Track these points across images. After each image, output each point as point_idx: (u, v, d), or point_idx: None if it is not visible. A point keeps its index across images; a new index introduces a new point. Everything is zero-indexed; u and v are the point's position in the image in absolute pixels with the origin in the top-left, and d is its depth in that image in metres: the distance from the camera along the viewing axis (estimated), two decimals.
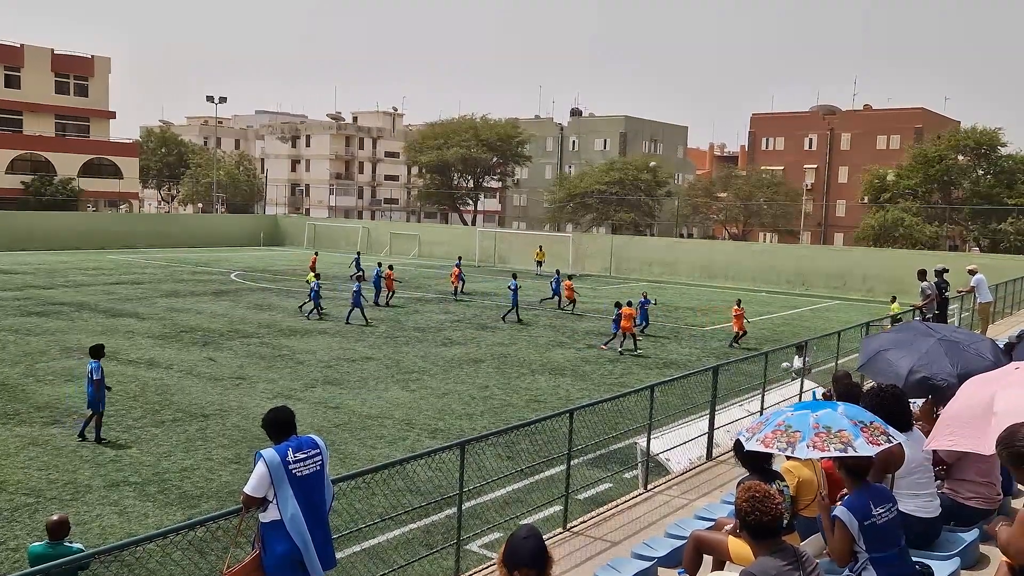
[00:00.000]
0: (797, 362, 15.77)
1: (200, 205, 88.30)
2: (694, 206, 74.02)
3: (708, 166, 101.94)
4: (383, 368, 20.01)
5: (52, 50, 67.97)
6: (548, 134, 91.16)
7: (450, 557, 7.57)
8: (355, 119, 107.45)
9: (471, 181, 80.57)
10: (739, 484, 5.89)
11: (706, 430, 10.87)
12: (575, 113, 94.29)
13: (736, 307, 24.97)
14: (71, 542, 6.95)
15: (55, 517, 6.99)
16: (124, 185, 70.51)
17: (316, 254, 41.02)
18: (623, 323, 22.88)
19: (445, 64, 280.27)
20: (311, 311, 27.58)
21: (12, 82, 66.05)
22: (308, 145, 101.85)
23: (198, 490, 11.42)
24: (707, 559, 5.91)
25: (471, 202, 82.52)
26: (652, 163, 71.92)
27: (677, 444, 10.65)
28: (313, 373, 19.19)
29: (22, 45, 66.43)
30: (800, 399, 12.83)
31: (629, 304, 23.58)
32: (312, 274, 29.89)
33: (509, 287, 29.03)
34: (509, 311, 28.60)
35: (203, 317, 26.95)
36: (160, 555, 7.64)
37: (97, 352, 13.88)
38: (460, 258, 39.34)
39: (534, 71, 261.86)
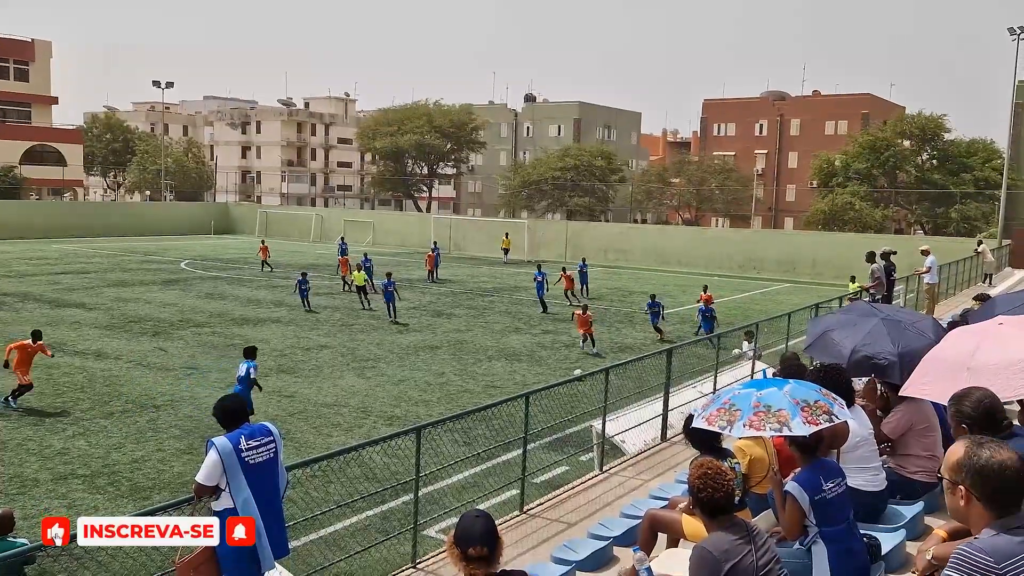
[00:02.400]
0: (747, 347, 16.05)
1: (148, 193, 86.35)
2: (648, 192, 74.63)
3: (661, 152, 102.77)
4: (338, 356, 19.86)
5: None
6: (502, 120, 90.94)
7: (407, 542, 7.57)
8: (307, 105, 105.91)
9: (425, 168, 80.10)
10: (692, 463, 6.00)
11: (660, 412, 11.00)
12: (529, 99, 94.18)
13: (704, 292, 24.95)
14: (15, 537, 6.79)
15: (0, 511, 6.84)
16: (68, 173, 68.60)
17: (263, 242, 40.50)
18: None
19: (398, 49, 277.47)
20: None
21: None
22: (259, 131, 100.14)
23: (150, 481, 11.24)
24: (662, 537, 5.99)
25: (425, 189, 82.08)
26: (606, 150, 72.31)
27: (632, 426, 10.77)
28: (267, 362, 18.95)
29: None
30: (752, 379, 13.05)
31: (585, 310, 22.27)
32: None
33: (535, 278, 28.44)
34: (542, 305, 27.85)
35: (152, 307, 26.43)
36: (110, 548, 7.51)
37: (251, 353, 14.17)
38: (436, 243, 39.30)
39: (488, 57, 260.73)
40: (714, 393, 11.50)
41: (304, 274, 27.78)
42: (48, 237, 52.85)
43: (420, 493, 7.53)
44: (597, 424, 10.29)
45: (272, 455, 5.31)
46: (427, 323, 25.00)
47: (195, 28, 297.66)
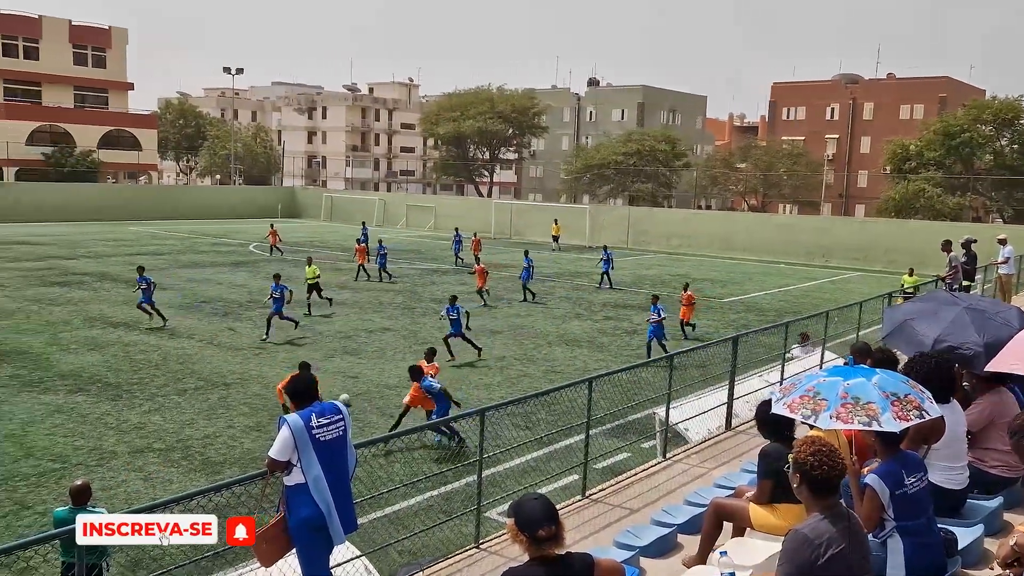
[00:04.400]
0: (798, 350, 15.49)
1: (218, 177, 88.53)
2: (713, 177, 73.40)
3: (727, 137, 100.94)
4: (400, 339, 20.09)
5: (70, 21, 67.99)
6: (565, 104, 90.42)
7: (470, 523, 7.63)
8: (371, 90, 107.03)
9: (487, 153, 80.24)
10: (761, 451, 5.89)
11: (725, 400, 10.85)
12: (592, 83, 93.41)
13: (685, 291, 21.67)
14: (93, 507, 7.04)
15: (78, 482, 7.10)
16: (143, 157, 70.77)
17: (272, 226, 40.16)
18: (683, 309, 21.15)
19: (461, 35, 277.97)
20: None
21: (31, 53, 66.20)
22: (324, 117, 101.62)
23: (221, 456, 11.56)
24: (727, 526, 5.92)
25: (487, 174, 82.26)
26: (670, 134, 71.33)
27: (696, 414, 10.64)
28: (332, 344, 19.31)
29: (40, 16, 66.46)
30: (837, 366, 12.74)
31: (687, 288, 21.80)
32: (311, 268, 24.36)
33: (602, 257, 30.24)
34: (604, 282, 29.80)
35: (223, 288, 27.14)
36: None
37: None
38: (476, 233, 39.47)
39: (551, 41, 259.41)
40: (782, 381, 11.29)
41: (380, 241, 30.03)
42: (124, 219, 54.67)
43: (482, 475, 7.56)
44: (660, 411, 10.20)
45: (341, 433, 5.40)
46: (489, 308, 25.09)
47: (264, 14, 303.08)
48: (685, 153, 72.09)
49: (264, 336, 19.33)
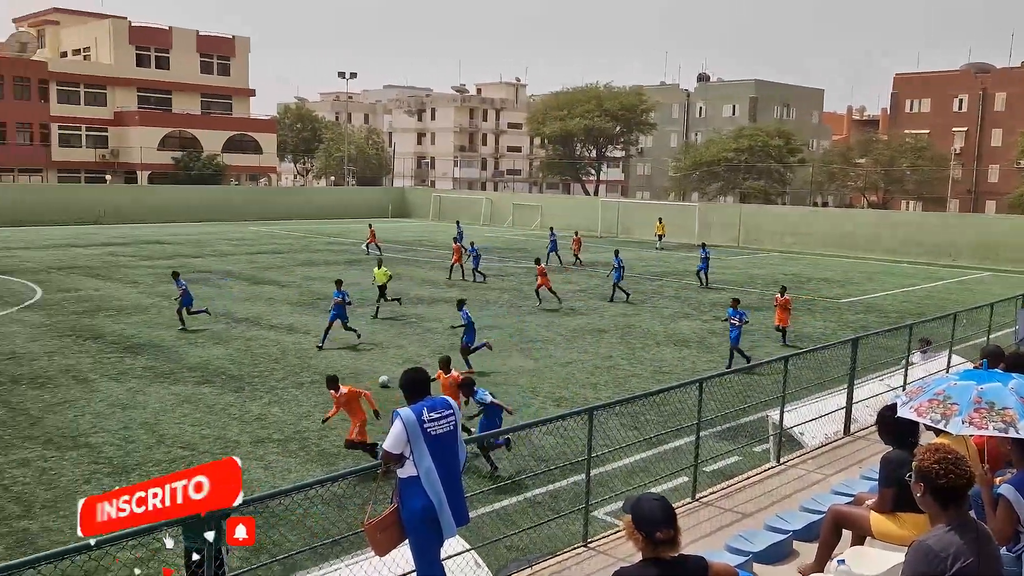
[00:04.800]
0: (919, 357, 14.60)
1: (332, 178, 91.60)
2: (830, 173, 70.67)
3: (846, 131, 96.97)
4: (506, 336, 20.25)
5: (197, 31, 71.74)
6: (674, 101, 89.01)
7: (577, 522, 7.62)
8: (479, 91, 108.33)
9: (594, 151, 79.90)
10: (883, 458, 5.64)
11: (843, 404, 10.44)
12: (702, 79, 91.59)
13: (781, 296, 20.03)
14: None
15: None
16: (263, 160, 74.03)
17: (371, 226, 40.70)
18: (778, 314, 19.90)
19: (569, 34, 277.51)
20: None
21: (162, 63, 70.23)
22: (433, 118, 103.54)
23: (335, 448, 11.96)
24: (846, 535, 5.70)
25: (594, 172, 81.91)
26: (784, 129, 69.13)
27: (812, 418, 10.28)
28: (440, 340, 19.65)
29: (170, 28, 70.42)
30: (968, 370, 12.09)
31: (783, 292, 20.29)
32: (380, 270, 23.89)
33: (701, 256, 30.04)
34: (704, 282, 29.60)
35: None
36: (303, 507, 8.06)
37: (460, 305, 17.52)
38: (577, 232, 39.32)
39: (659, 38, 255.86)
40: (905, 387, 10.79)
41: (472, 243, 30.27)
42: (246, 219, 57.28)
43: (590, 474, 7.54)
44: (774, 414, 9.91)
45: (452, 427, 5.49)
46: (594, 306, 24.99)
47: (376, 18, 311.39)
48: (800, 148, 69.74)
49: (319, 344, 18.44)
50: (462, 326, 17.52)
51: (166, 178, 66.15)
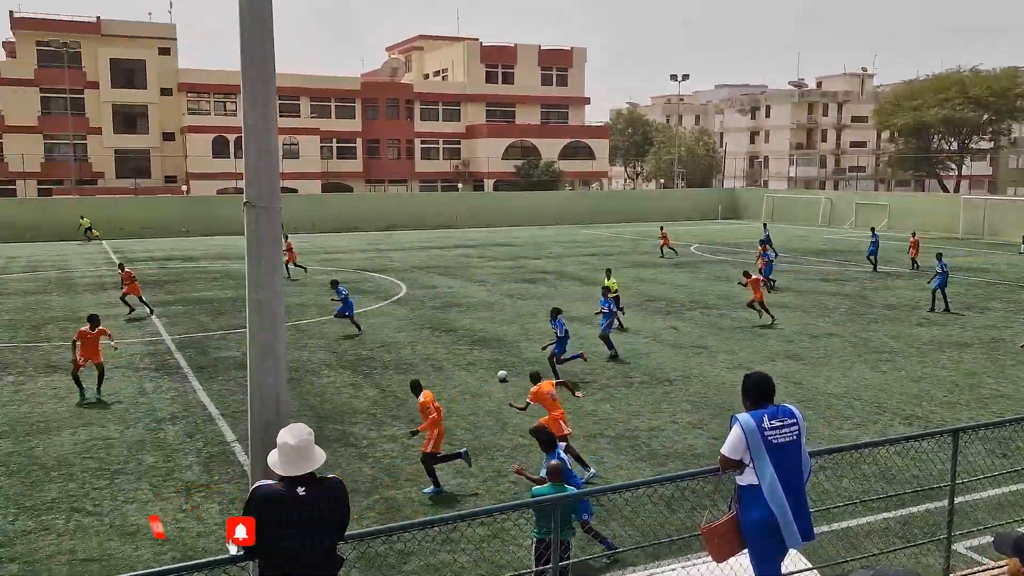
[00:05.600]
0: None
1: (662, 181, 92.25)
2: None
3: None
4: (848, 346, 18.86)
5: (539, 46, 76.39)
6: None
7: (932, 554, 6.88)
8: (819, 85, 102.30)
9: (954, 143, 71.45)
10: None
11: None
12: None
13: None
14: (567, 486, 7.70)
15: (553, 462, 7.74)
16: (596, 165, 76.78)
17: (662, 228, 39.58)
18: None
19: (924, 15, 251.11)
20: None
21: (508, 78, 75.84)
22: (767, 116, 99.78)
23: (665, 449, 12.01)
24: None
25: (954, 167, 73.24)
26: None
27: None
28: (773, 347, 18.87)
29: (515, 45, 75.78)
30: None
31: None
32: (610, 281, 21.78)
33: None
34: None
35: (665, 287, 28.17)
36: (633, 504, 8.22)
37: (555, 315, 16.43)
38: (914, 233, 35.26)
39: None
40: None
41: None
42: (579, 223, 59.79)
43: (953, 503, 6.74)
44: None
45: (795, 437, 5.24)
46: (954, 316, 22.34)
47: (707, 17, 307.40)
48: None
49: (613, 353, 17.80)
50: (559, 338, 16.28)
51: (509, 185, 71.33)
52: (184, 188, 64.51)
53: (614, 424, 13.23)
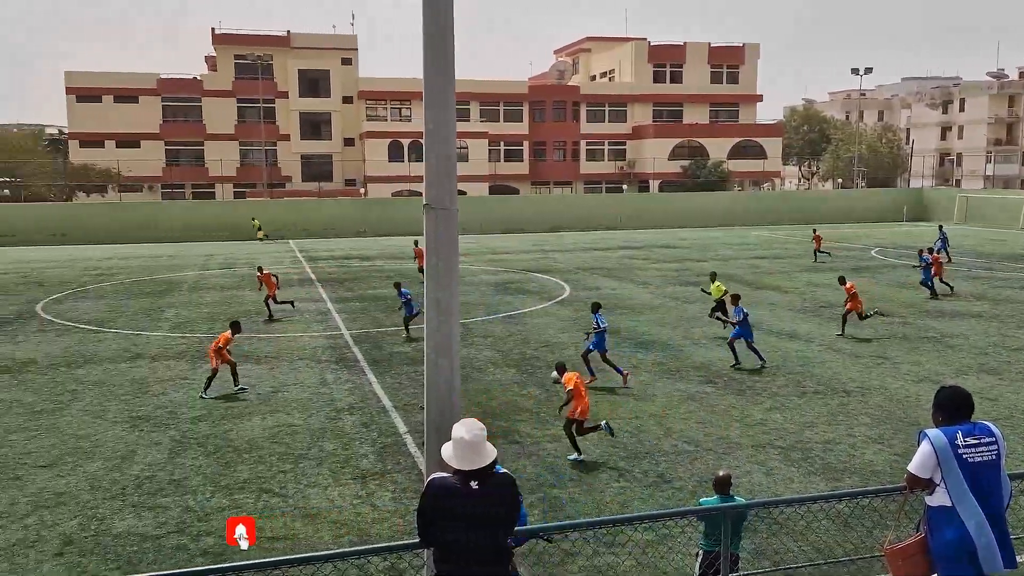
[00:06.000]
0: None
1: (839, 181, 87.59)
2: None
3: None
4: None
5: (709, 44, 74.65)
6: None
7: None
8: (1021, 75, 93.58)
9: None
10: None
11: None
12: None
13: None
14: (735, 496, 7.47)
15: (721, 473, 7.50)
16: (767, 165, 74.00)
17: (815, 231, 36.68)
18: None
19: None
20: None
21: (676, 77, 74.65)
22: (962, 110, 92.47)
23: (841, 464, 11.40)
24: None
25: None
26: None
27: None
28: (965, 359, 17.47)
29: (684, 43, 74.45)
30: None
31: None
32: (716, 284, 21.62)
33: None
34: None
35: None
36: (805, 519, 7.86)
37: (595, 309, 16.43)
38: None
39: None
40: None
41: None
42: (748, 224, 57.85)
43: None
44: None
45: (994, 457, 4.83)
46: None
47: (894, 7, 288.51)
48: None
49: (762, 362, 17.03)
50: (596, 330, 16.12)
51: (674, 186, 70.15)
52: (362, 191, 68.12)
53: (785, 435, 12.70)
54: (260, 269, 25.55)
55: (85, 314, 24.44)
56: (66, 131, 72.92)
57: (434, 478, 4.59)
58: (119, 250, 46.06)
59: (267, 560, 4.89)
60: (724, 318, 19.54)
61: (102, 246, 48.70)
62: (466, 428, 4.54)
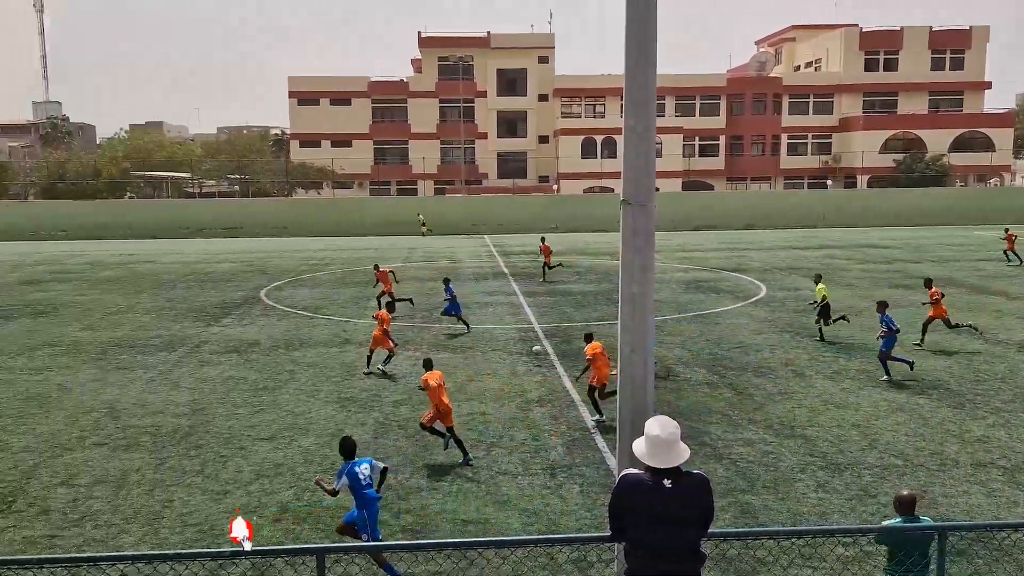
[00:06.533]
0: None
1: None
2: None
3: None
4: None
5: (930, 28, 69.02)
6: None
7: None
8: None
9: None
10: None
11: None
12: None
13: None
14: (919, 517, 6.80)
15: (906, 492, 6.82)
16: (996, 158, 67.42)
17: (1008, 231, 31.73)
18: None
19: None
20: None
21: (890, 65, 69.63)
22: None
23: None
24: None
25: None
26: None
27: None
28: None
29: (901, 28, 69.25)
30: None
31: None
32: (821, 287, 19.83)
33: None
34: None
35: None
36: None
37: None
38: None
39: None
40: None
41: None
42: (970, 223, 52.93)
43: None
44: None
45: None
46: None
47: None
48: None
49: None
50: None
51: (885, 181, 65.52)
52: (555, 187, 69.05)
53: (1011, 454, 11.53)
54: (376, 267, 25.98)
55: (301, 301, 26.52)
56: (288, 132, 79.44)
57: (627, 474, 4.58)
58: (332, 242, 49.55)
59: (463, 541, 5.09)
60: (830, 322, 19.22)
61: (317, 238, 52.61)
62: (660, 425, 4.50)
